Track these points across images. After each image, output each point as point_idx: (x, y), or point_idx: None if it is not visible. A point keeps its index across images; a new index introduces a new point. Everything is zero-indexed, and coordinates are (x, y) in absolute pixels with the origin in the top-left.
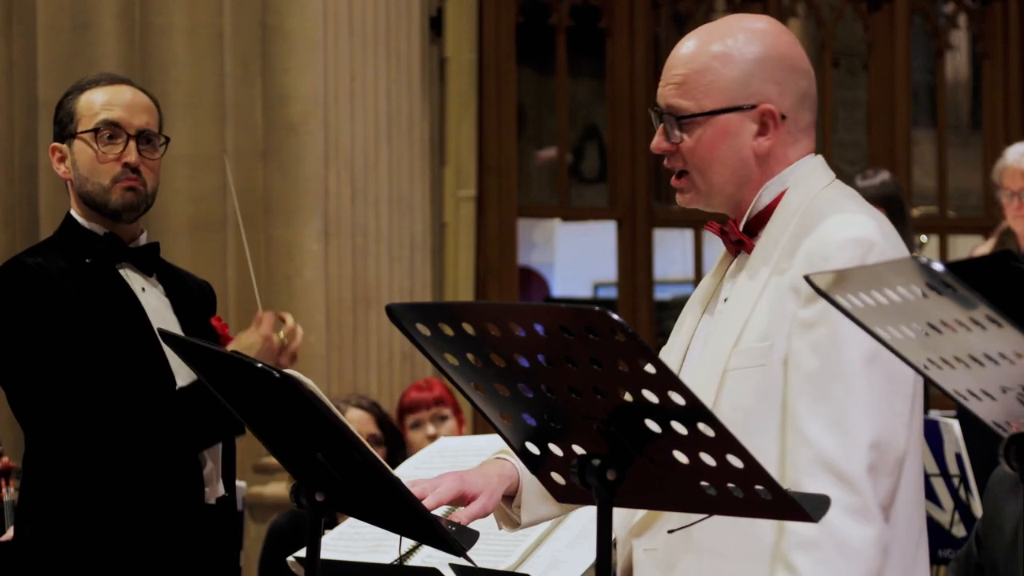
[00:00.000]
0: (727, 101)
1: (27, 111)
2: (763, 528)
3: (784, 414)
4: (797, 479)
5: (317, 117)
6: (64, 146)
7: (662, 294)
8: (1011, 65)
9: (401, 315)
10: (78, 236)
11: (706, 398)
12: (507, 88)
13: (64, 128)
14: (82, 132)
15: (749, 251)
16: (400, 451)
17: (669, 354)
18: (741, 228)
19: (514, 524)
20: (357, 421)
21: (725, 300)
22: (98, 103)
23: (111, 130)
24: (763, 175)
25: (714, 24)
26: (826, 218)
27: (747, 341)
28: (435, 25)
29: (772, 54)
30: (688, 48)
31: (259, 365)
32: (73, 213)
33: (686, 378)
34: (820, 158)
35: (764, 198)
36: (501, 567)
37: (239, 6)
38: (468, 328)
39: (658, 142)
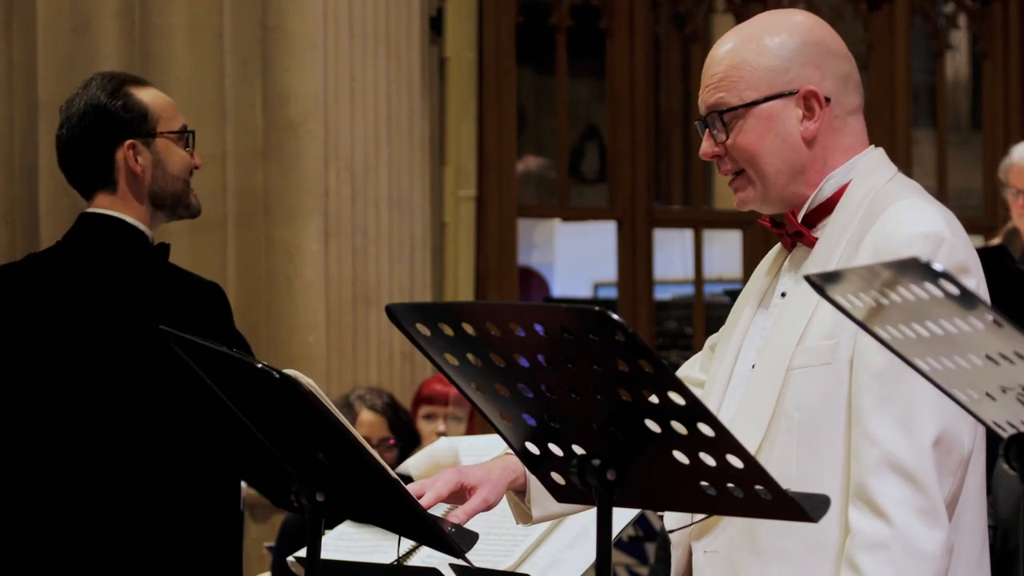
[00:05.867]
0: (768, 90)
1: (27, 111)
2: (830, 530)
3: (850, 413)
4: (863, 479)
5: (317, 117)
6: (138, 142)
7: (662, 294)
8: (1011, 65)
9: (401, 315)
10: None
11: (769, 396)
12: (507, 88)
13: (139, 125)
14: (167, 132)
15: (809, 244)
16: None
17: (723, 352)
18: (799, 220)
19: (528, 518)
20: (368, 425)
21: (783, 295)
22: (171, 104)
23: (189, 134)
24: (816, 164)
25: (747, 23)
26: (893, 211)
27: (811, 339)
28: (435, 25)
29: (808, 40)
30: (724, 48)
31: (259, 365)
32: (119, 214)
33: (746, 376)
34: (881, 151)
35: (826, 190)
36: (501, 567)
37: (239, 6)
38: (468, 328)
39: (705, 147)
